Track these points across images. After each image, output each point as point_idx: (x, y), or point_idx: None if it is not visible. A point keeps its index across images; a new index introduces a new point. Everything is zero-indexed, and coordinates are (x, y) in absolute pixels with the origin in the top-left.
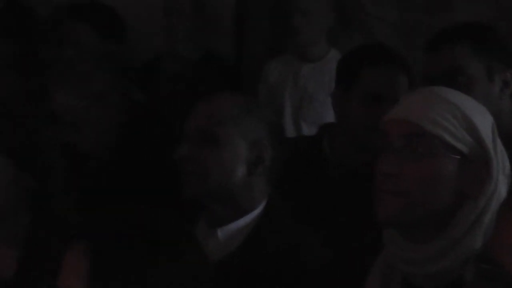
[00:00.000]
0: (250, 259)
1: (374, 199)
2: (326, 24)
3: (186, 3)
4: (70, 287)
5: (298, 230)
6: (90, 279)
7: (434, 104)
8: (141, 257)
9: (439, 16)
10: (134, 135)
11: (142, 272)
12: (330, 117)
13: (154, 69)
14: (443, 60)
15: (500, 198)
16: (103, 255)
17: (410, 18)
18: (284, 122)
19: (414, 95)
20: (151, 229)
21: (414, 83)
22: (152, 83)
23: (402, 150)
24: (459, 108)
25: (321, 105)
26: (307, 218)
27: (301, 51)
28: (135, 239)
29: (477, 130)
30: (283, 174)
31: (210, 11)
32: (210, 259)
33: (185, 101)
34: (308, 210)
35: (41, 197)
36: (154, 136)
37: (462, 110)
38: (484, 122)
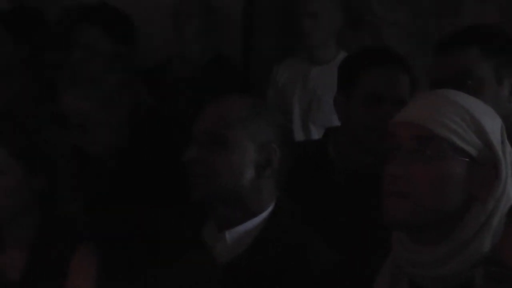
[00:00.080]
0: (258, 262)
1: (382, 201)
2: (335, 26)
3: (195, 5)
4: None
5: (306, 233)
6: (98, 280)
7: (443, 107)
8: (149, 259)
9: (447, 19)
10: (143, 137)
11: (150, 274)
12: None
13: (163, 71)
14: (452, 63)
15: (509, 201)
16: (111, 256)
17: (419, 21)
18: (293, 125)
19: (423, 98)
20: (159, 231)
21: (415, 83)
22: (161, 85)
23: (411, 153)
24: (468, 110)
25: (330, 108)
26: (313, 222)
27: (310, 53)
28: (143, 241)
29: (486, 133)
30: (289, 179)
31: (219, 13)
32: (218, 262)
33: (194, 103)
34: (314, 214)
35: (50, 199)
36: (163, 138)
37: (471, 113)
38: (493, 125)
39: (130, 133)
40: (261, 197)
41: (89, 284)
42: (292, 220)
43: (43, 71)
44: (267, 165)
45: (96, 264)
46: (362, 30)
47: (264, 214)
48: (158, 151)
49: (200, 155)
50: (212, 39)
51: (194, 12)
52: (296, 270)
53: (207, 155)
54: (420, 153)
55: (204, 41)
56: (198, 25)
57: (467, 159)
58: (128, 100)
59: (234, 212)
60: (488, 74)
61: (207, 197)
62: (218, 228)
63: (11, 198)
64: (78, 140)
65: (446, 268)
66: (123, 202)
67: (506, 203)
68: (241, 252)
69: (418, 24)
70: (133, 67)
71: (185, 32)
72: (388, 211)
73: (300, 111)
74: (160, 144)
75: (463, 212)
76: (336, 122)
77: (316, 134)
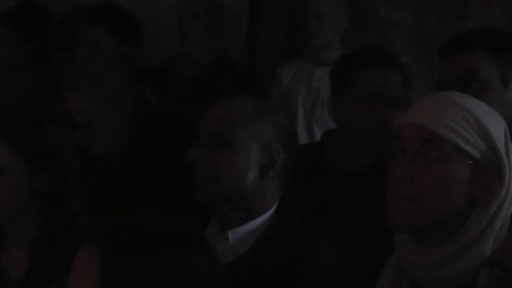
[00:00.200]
0: (261, 262)
1: (385, 203)
2: (340, 27)
3: (199, 6)
4: None
5: (309, 233)
6: (101, 281)
7: (447, 109)
8: (151, 259)
9: (453, 21)
10: (147, 137)
11: (151, 274)
12: None
13: (168, 71)
14: (458, 65)
15: None
16: (114, 256)
17: (424, 22)
18: (296, 125)
19: (427, 100)
20: (161, 231)
21: (409, 81)
22: (166, 85)
23: (415, 155)
24: (472, 113)
25: None
26: (314, 223)
27: (315, 54)
28: (145, 241)
29: (490, 136)
30: (290, 182)
31: (224, 14)
32: (221, 262)
33: (197, 104)
34: (315, 216)
35: (52, 199)
36: (166, 138)
37: (475, 115)
38: (497, 127)
39: (133, 133)
40: (264, 197)
41: (90, 284)
42: (295, 220)
43: (47, 70)
44: (270, 165)
45: (98, 264)
46: (366, 31)
47: (267, 214)
48: (162, 151)
49: (204, 156)
50: (217, 40)
51: (199, 13)
52: (299, 270)
53: (210, 156)
54: (424, 155)
55: (208, 41)
56: (202, 26)
57: (470, 162)
58: (132, 100)
59: (237, 212)
60: (494, 77)
61: (210, 197)
62: (221, 228)
63: (13, 198)
64: (82, 140)
65: (449, 270)
66: (126, 202)
67: (509, 206)
68: (244, 252)
69: (422, 25)
70: (137, 67)
71: (190, 32)
72: (391, 213)
73: (304, 112)
74: (164, 144)
75: (466, 215)
76: None
77: (320, 134)
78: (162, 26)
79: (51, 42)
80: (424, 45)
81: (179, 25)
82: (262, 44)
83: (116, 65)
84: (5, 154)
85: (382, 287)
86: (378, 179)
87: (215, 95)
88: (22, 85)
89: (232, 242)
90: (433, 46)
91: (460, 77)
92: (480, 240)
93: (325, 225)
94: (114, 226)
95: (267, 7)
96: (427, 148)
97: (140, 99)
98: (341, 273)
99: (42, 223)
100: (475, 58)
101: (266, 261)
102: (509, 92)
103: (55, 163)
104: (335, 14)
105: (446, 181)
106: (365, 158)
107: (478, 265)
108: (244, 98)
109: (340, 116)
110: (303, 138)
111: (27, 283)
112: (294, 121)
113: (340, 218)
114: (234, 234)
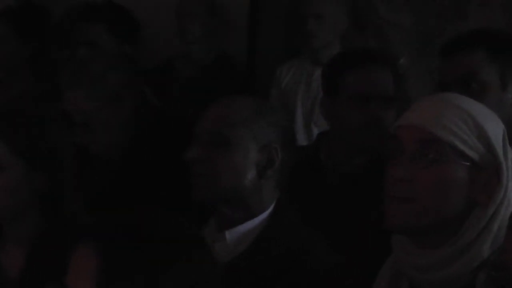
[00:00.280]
0: (258, 262)
1: (383, 205)
2: (340, 28)
3: (199, 6)
4: None
5: (307, 233)
6: (98, 280)
7: (445, 111)
8: (150, 259)
9: (453, 21)
10: (147, 137)
11: (150, 274)
12: None
13: (168, 71)
14: (457, 66)
15: (510, 205)
16: (112, 256)
17: (425, 23)
18: (295, 126)
19: (426, 102)
20: (160, 231)
21: (400, 80)
22: (166, 85)
23: (414, 156)
24: (470, 115)
25: None
26: (311, 224)
27: (315, 54)
28: (144, 241)
29: (488, 138)
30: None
31: (223, 14)
32: (218, 261)
33: (197, 103)
34: (310, 217)
35: (52, 198)
36: (166, 138)
37: (473, 117)
38: (495, 129)
39: (133, 133)
40: (262, 197)
41: (88, 284)
42: (293, 220)
43: (47, 70)
44: (268, 165)
45: (96, 264)
46: (366, 31)
47: (265, 214)
48: (162, 151)
49: (202, 155)
50: (216, 40)
51: (198, 13)
52: (296, 270)
53: (209, 155)
54: (423, 157)
55: (208, 41)
56: (202, 26)
57: (468, 163)
58: (132, 100)
59: (235, 212)
60: (493, 78)
61: (208, 197)
62: (218, 228)
63: (12, 197)
64: (81, 139)
65: (447, 272)
66: (125, 202)
67: (507, 207)
68: (241, 252)
69: (422, 25)
70: (137, 67)
71: (189, 32)
72: (390, 214)
73: (303, 112)
74: (163, 144)
75: (464, 216)
76: None
77: None
78: (162, 26)
79: (51, 41)
80: (424, 46)
81: (179, 25)
82: (262, 44)
83: (116, 64)
84: (4, 153)
85: (380, 286)
86: (372, 179)
87: (215, 95)
88: (22, 85)
89: (230, 242)
90: (433, 47)
91: (460, 78)
92: (478, 242)
93: (320, 226)
94: (114, 226)
95: (267, 7)
96: (426, 149)
97: (140, 99)
98: (339, 273)
99: (41, 222)
100: (475, 58)
101: (264, 261)
102: (508, 94)
103: (55, 162)
104: (335, 14)
105: (445, 183)
106: (358, 158)
107: (476, 267)
108: (244, 98)
109: (333, 117)
110: (301, 138)
111: (24, 281)
112: (292, 121)
113: (334, 219)
114: (231, 234)
